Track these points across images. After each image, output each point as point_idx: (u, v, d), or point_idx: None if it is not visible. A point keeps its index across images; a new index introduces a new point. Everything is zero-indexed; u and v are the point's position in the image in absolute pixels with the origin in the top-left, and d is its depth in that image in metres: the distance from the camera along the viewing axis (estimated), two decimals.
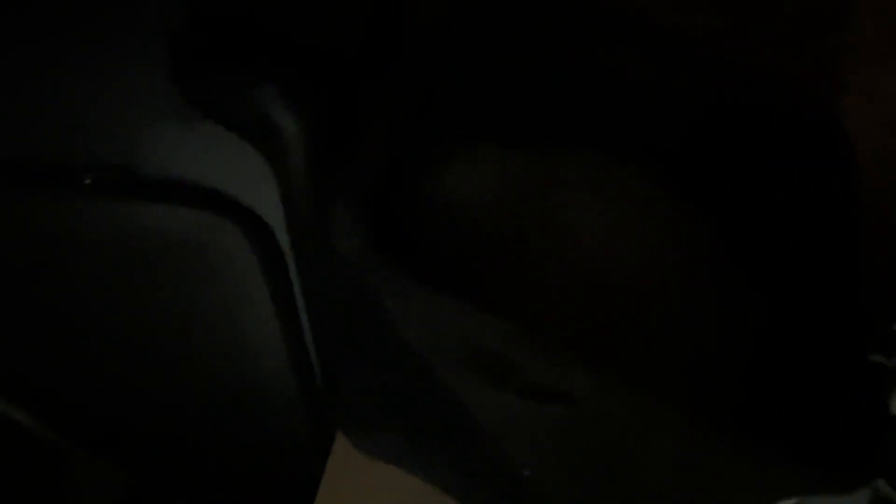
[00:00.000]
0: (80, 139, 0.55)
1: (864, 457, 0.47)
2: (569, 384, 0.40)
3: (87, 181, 0.55)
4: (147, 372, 0.63)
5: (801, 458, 0.44)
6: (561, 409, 0.41)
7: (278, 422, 0.62)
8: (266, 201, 0.56)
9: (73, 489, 0.65)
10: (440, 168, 0.55)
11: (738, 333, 0.54)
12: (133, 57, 0.54)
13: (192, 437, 0.66)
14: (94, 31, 0.54)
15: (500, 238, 0.54)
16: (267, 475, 0.66)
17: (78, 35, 0.54)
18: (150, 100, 0.54)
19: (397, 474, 0.50)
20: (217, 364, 0.61)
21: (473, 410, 0.44)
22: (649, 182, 0.57)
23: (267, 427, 0.63)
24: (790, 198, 0.55)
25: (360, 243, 0.40)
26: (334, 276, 0.47)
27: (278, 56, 0.52)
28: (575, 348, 0.41)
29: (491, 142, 0.56)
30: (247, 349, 0.59)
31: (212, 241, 0.55)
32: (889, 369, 0.52)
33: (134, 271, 0.57)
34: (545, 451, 0.45)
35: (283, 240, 0.56)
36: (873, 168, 0.56)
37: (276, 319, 0.57)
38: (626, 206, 0.57)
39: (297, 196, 0.52)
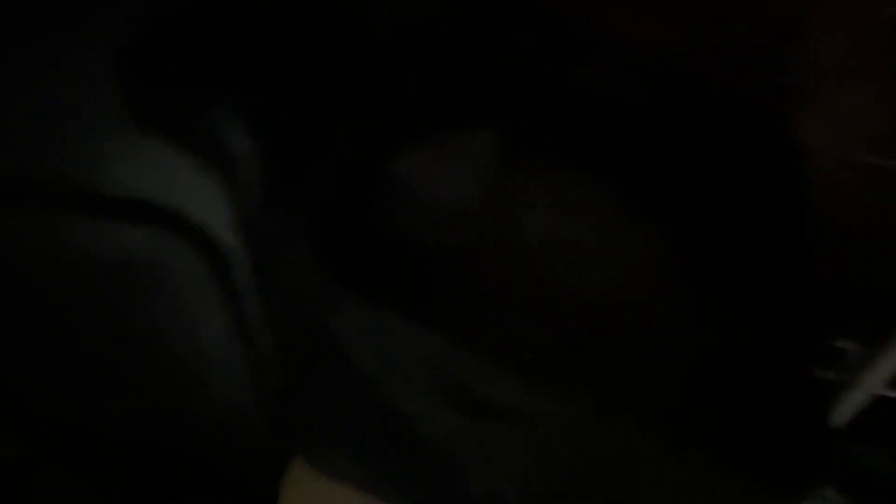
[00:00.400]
0: (32, 156, 0.55)
1: (809, 470, 0.48)
2: (524, 403, 0.40)
3: (40, 198, 0.55)
4: (101, 389, 0.62)
5: (748, 472, 0.45)
6: (516, 428, 0.42)
7: (237, 438, 0.62)
8: (221, 220, 0.55)
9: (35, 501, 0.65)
10: (400, 182, 0.55)
11: (694, 351, 0.55)
12: (87, 72, 0.53)
13: (151, 452, 0.65)
14: (45, 47, 0.53)
15: (461, 254, 0.54)
16: (225, 491, 0.66)
17: (29, 50, 0.53)
18: (104, 116, 0.54)
19: (353, 495, 0.50)
20: (174, 382, 0.60)
21: (429, 429, 0.45)
22: (612, 197, 0.58)
23: (226, 443, 0.63)
24: (749, 215, 0.56)
25: (309, 267, 0.40)
26: (289, 295, 0.47)
27: (232, 74, 0.51)
28: (532, 366, 0.42)
29: (453, 154, 0.57)
30: (204, 367, 0.59)
31: (165, 259, 0.55)
32: (832, 384, 0.54)
33: (87, 288, 0.57)
34: (504, 469, 0.46)
35: (239, 259, 0.56)
36: (833, 181, 0.57)
37: (233, 337, 0.57)
38: (588, 221, 0.57)
39: (252, 217, 0.52)
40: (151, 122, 0.51)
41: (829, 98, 0.56)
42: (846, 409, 0.55)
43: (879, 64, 0.54)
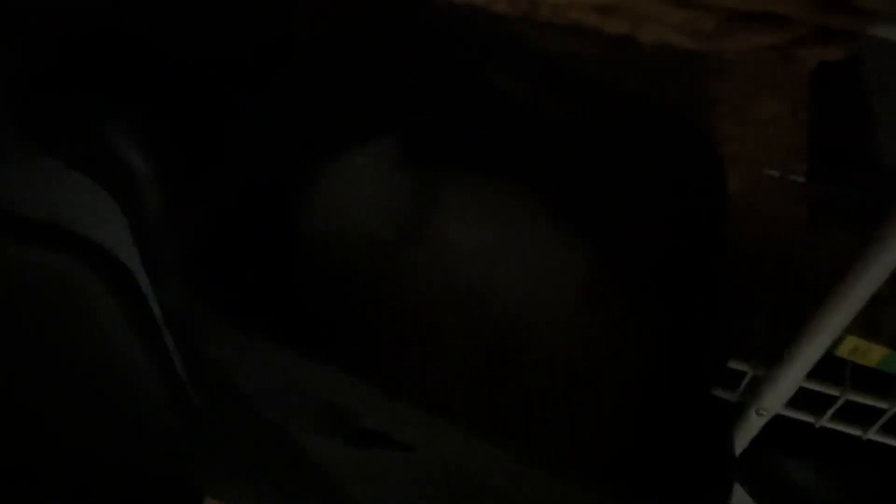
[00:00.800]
0: None
1: (713, 487, 0.49)
2: (404, 432, 0.40)
3: None
4: (11, 415, 0.61)
5: (647, 496, 0.45)
6: (399, 456, 0.41)
7: (151, 464, 0.61)
8: (123, 241, 0.54)
9: None
10: (310, 194, 0.53)
11: (600, 374, 0.55)
12: None
13: (63, 478, 0.64)
14: None
15: (368, 267, 0.53)
16: None
17: None
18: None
19: None
20: (85, 405, 0.59)
21: (317, 458, 0.44)
22: (531, 205, 0.58)
23: (139, 470, 0.62)
24: (667, 227, 0.57)
25: (191, 299, 0.39)
26: (179, 321, 0.46)
27: (127, 88, 0.50)
28: (423, 398, 0.41)
29: (368, 163, 0.56)
30: (118, 391, 0.57)
31: (67, 283, 0.54)
32: (730, 403, 0.55)
33: None
34: (393, 496, 0.45)
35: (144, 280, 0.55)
36: (747, 194, 0.58)
37: (142, 361, 0.56)
38: (507, 229, 0.57)
39: (151, 237, 0.51)
40: (45, 144, 0.50)
41: (752, 111, 0.57)
42: (747, 429, 0.56)
43: (794, 80, 0.55)
